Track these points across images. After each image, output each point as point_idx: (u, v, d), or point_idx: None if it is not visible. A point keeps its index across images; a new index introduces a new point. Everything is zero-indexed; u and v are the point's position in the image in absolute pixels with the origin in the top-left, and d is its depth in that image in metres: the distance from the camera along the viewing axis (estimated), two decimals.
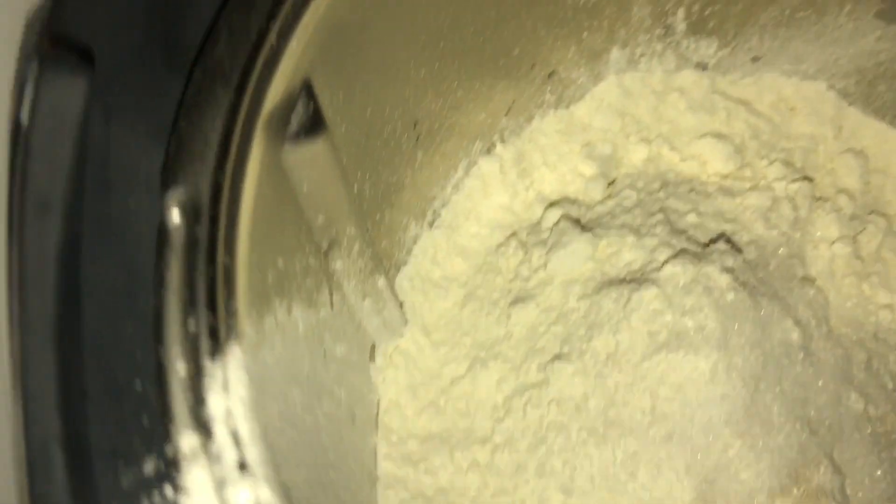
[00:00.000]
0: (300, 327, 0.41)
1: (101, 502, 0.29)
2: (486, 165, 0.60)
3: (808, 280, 0.53)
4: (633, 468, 0.48)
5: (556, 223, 0.56)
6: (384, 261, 0.54)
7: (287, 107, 0.37)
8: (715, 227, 0.54)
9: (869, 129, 0.62)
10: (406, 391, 0.56)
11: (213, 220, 0.31)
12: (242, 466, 0.28)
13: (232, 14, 0.35)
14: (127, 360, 0.32)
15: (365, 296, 0.51)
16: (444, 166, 0.57)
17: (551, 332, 0.53)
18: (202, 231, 0.31)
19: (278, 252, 0.38)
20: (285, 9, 0.36)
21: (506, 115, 0.59)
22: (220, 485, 0.28)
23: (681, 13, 0.57)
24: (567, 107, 0.62)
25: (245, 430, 0.29)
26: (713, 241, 0.53)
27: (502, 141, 0.60)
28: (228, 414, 0.29)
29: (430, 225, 0.59)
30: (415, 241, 0.58)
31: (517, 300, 0.55)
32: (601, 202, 0.58)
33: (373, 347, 0.56)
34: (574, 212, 0.57)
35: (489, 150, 0.60)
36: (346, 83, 0.42)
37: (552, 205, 0.58)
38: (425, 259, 0.59)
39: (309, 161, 0.39)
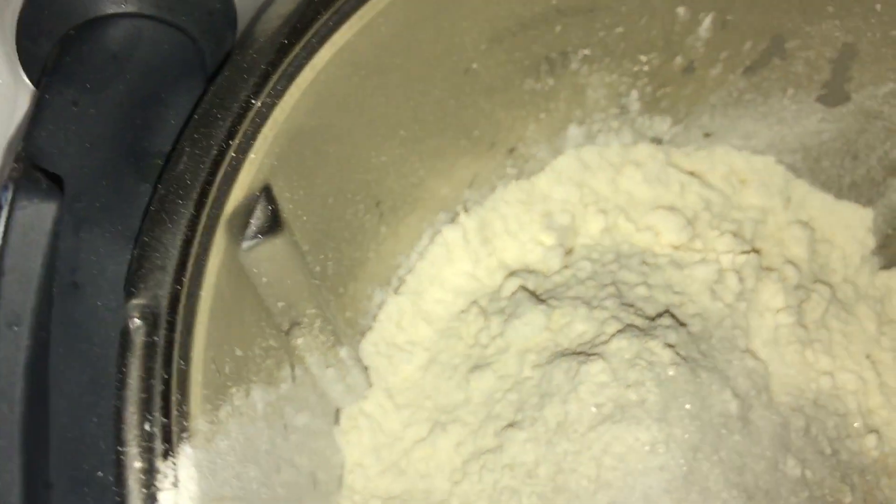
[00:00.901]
0: (258, 407, 0.44)
1: None
2: (450, 234, 0.63)
3: (749, 352, 0.56)
4: None
5: (514, 293, 0.59)
6: (348, 329, 0.57)
7: (246, 211, 0.40)
8: (663, 299, 0.57)
9: (816, 201, 0.65)
10: (370, 453, 0.59)
11: (170, 327, 0.35)
12: None
13: (194, 130, 0.38)
14: (91, 453, 0.35)
15: (328, 366, 0.54)
16: (408, 237, 0.61)
17: (507, 399, 0.56)
18: (160, 337, 0.34)
19: (237, 343, 0.41)
20: (245, 123, 0.39)
21: (468, 187, 0.62)
22: None
23: (634, 94, 0.61)
24: (528, 178, 0.65)
25: None
26: (659, 315, 0.56)
27: (465, 210, 0.64)
28: None
29: (395, 291, 0.62)
30: (380, 307, 0.61)
31: (476, 367, 0.58)
32: (558, 272, 0.61)
33: (337, 411, 0.59)
34: (531, 282, 0.60)
35: (453, 220, 0.63)
36: (307, 180, 0.46)
37: (511, 274, 0.61)
38: (390, 324, 0.62)
39: (267, 258, 0.42)
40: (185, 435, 0.34)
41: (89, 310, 0.37)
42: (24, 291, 0.34)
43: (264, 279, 0.43)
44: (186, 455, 0.33)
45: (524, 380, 0.57)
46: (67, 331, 0.37)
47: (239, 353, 0.41)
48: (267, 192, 0.41)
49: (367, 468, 0.58)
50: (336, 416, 0.59)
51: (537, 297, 0.59)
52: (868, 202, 0.63)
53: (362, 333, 0.61)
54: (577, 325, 0.56)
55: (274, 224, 0.41)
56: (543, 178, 0.65)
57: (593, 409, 0.52)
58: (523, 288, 0.60)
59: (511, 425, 0.55)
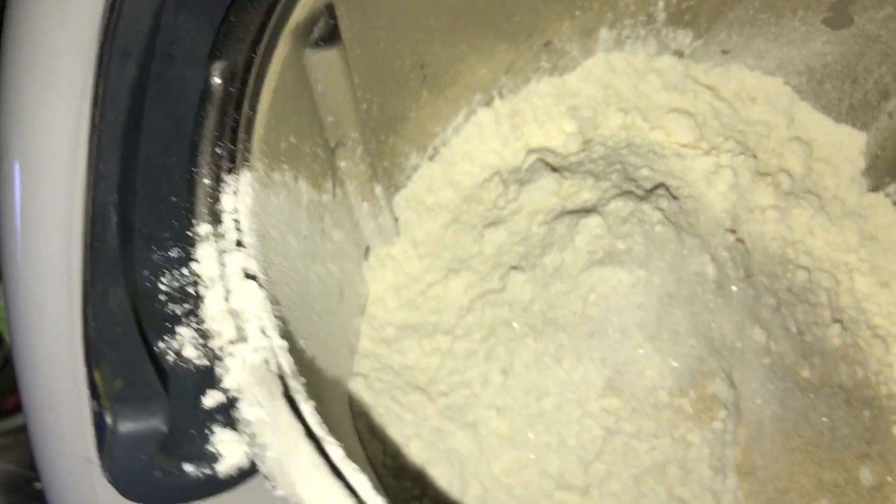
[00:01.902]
0: (304, 197, 0.53)
1: (136, 264, 0.41)
2: (484, 116, 0.71)
3: (732, 232, 0.64)
4: (560, 357, 0.59)
5: (532, 164, 0.67)
6: (385, 178, 0.66)
7: (311, 21, 0.49)
8: (662, 180, 0.65)
9: (816, 122, 0.72)
10: (391, 289, 0.67)
11: (244, 82, 0.43)
12: (239, 243, 0.40)
13: None
14: (168, 180, 0.44)
15: (364, 199, 0.62)
16: (446, 109, 0.69)
17: (514, 250, 0.65)
18: (235, 89, 0.43)
19: (292, 130, 0.50)
20: None
21: (505, 73, 0.70)
22: (221, 253, 0.40)
23: (661, 4, 0.68)
24: (560, 75, 0.73)
25: (245, 222, 0.41)
26: (656, 187, 0.63)
27: (500, 97, 0.72)
28: (235, 210, 0.41)
29: (430, 158, 0.71)
30: (415, 170, 0.70)
31: (491, 224, 0.67)
32: (575, 154, 0.69)
33: (368, 249, 0.67)
34: (550, 158, 0.68)
35: (488, 103, 0.72)
36: (364, 16, 0.54)
37: (532, 151, 0.69)
38: (422, 186, 0.70)
39: (324, 66, 0.51)
40: (246, 163, 0.42)
41: (180, 77, 0.46)
42: (134, 36, 0.43)
43: (320, 87, 0.52)
44: (246, 177, 0.42)
45: (531, 235, 0.65)
46: (161, 89, 0.45)
47: (293, 140, 0.50)
48: (330, 10, 0.50)
49: (387, 302, 0.67)
50: (366, 253, 0.67)
51: (552, 168, 0.67)
52: (863, 126, 0.70)
53: (397, 188, 0.69)
54: (584, 193, 0.64)
55: (333, 36, 0.50)
56: (574, 76, 0.73)
57: (586, 255, 0.60)
58: (540, 160, 0.67)
59: (513, 269, 0.63)
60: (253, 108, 0.44)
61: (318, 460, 0.36)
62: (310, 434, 0.36)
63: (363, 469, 0.37)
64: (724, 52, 0.71)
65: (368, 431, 0.60)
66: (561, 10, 0.67)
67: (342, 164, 0.58)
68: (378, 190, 0.63)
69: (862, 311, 0.67)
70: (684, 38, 0.71)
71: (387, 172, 0.66)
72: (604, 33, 0.71)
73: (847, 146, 0.71)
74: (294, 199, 0.51)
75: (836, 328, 0.65)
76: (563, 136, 0.70)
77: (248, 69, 0.44)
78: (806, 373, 0.63)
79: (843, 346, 0.65)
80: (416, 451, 0.59)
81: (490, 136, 0.72)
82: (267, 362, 0.37)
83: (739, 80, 0.72)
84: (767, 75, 0.72)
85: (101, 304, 0.38)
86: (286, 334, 0.41)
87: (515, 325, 0.61)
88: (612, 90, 0.72)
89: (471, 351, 0.62)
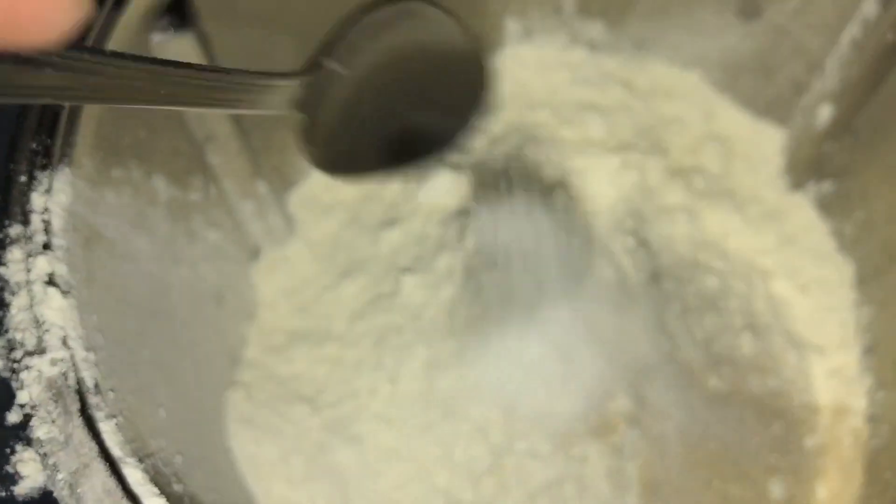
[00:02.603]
0: (161, 195, 0.49)
1: None
2: None
3: (635, 234, 0.60)
4: (448, 367, 0.55)
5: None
6: (274, 175, 0.62)
7: (159, 3, 0.45)
8: (562, 179, 0.62)
9: (734, 118, 0.69)
10: (283, 293, 0.64)
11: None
12: (46, 246, 0.36)
13: None
14: None
15: (245, 197, 0.59)
16: None
17: (409, 252, 0.61)
18: None
19: (141, 124, 0.46)
20: None
21: None
22: (27, 257, 0.36)
23: None
24: None
25: (57, 223, 0.37)
26: (552, 187, 0.60)
27: None
28: (45, 210, 0.37)
29: None
30: (311, 168, 0.66)
31: (387, 224, 0.63)
32: (477, 150, 0.66)
33: (257, 250, 0.64)
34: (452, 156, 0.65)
35: None
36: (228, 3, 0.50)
37: None
38: (319, 184, 0.67)
39: (176, 54, 0.47)
40: (66, 159, 0.39)
41: None
42: None
43: None
44: (64, 174, 0.38)
45: (426, 236, 0.61)
46: None
47: (142, 134, 0.46)
48: None
49: (279, 307, 0.63)
50: (255, 254, 0.64)
51: (451, 166, 0.63)
52: (781, 122, 0.67)
53: (290, 185, 0.66)
54: (482, 192, 0.61)
55: (184, 21, 0.46)
56: None
57: (474, 258, 0.57)
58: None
59: (407, 271, 0.59)
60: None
61: (112, 483, 0.32)
62: (105, 454, 0.33)
63: (168, 492, 0.33)
64: (638, 44, 0.68)
65: (248, 444, 0.56)
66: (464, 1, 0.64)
67: (215, 159, 0.55)
68: (262, 187, 0.59)
69: (777, 317, 0.64)
70: (595, 29, 0.68)
71: (277, 170, 0.63)
72: (511, 25, 0.67)
73: (765, 144, 0.68)
74: (145, 198, 0.47)
75: (747, 336, 0.62)
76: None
77: None
78: (714, 382, 0.60)
79: (755, 355, 0.62)
80: (296, 467, 0.55)
81: None
82: (65, 375, 0.34)
83: (654, 75, 0.69)
84: (683, 69, 0.69)
85: None
86: (107, 344, 0.37)
87: (405, 331, 0.57)
88: (523, 86, 0.69)
89: (360, 359, 0.59)
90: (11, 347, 0.35)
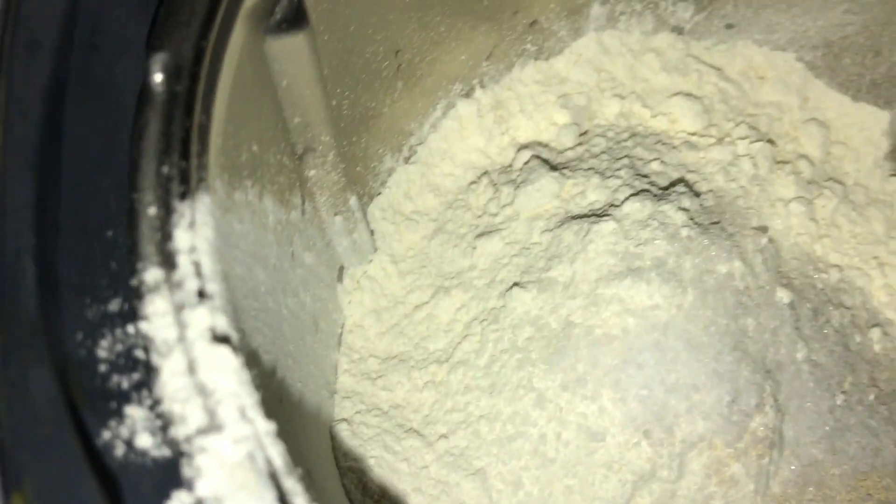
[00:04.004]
0: (270, 218, 0.43)
1: (65, 327, 0.31)
2: (464, 108, 0.62)
3: (761, 229, 0.56)
4: (580, 391, 0.50)
5: (527, 162, 0.58)
6: (358, 186, 0.56)
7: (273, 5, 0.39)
8: (676, 175, 0.57)
9: (833, 102, 0.64)
10: (370, 314, 0.58)
11: (194, 79, 0.33)
12: (202, 294, 0.30)
13: None
14: (101, 209, 0.34)
15: (336, 212, 0.53)
16: (422, 102, 0.60)
17: (513, 262, 0.56)
18: (182, 88, 0.33)
19: (254, 137, 0.40)
20: None
21: (487, 59, 0.61)
22: (178, 309, 0.30)
23: None
24: (547, 59, 0.64)
25: (207, 264, 0.31)
26: (673, 184, 0.55)
27: (482, 86, 0.63)
28: (193, 248, 0.31)
29: (406, 160, 0.61)
30: (389, 174, 0.60)
31: (483, 233, 0.57)
32: (572, 148, 0.60)
33: (341, 269, 0.58)
34: (545, 154, 0.59)
35: (468, 94, 0.62)
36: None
37: (524, 147, 0.60)
38: (398, 192, 0.61)
39: (289, 54, 0.41)
40: (203, 185, 0.32)
41: (108, 73, 0.36)
42: (46, 23, 0.32)
43: (284, 81, 0.42)
44: (204, 202, 0.32)
45: (532, 245, 0.56)
46: (85, 90, 0.35)
47: (255, 149, 0.40)
48: None
49: (367, 329, 0.58)
50: (340, 274, 0.58)
51: (551, 167, 0.58)
52: (886, 104, 0.63)
53: (371, 197, 0.60)
54: (590, 194, 0.56)
55: (298, 17, 0.40)
56: (562, 59, 0.64)
57: (601, 268, 0.51)
58: (537, 157, 0.59)
59: (516, 286, 0.54)
60: (207, 112, 0.34)
61: None
62: None
63: None
64: (729, 26, 0.63)
65: (360, 489, 0.51)
66: None
67: (311, 173, 0.49)
68: (353, 201, 0.53)
69: None
70: (685, 11, 0.63)
71: (360, 179, 0.57)
72: (595, 9, 0.62)
73: (868, 127, 0.63)
74: (260, 222, 0.41)
75: (876, 332, 0.57)
76: (556, 129, 0.62)
77: (198, 62, 0.34)
78: (850, 386, 0.55)
79: (885, 352, 0.58)
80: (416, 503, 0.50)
81: (472, 132, 0.62)
82: (252, 457, 0.28)
83: (747, 58, 0.64)
84: (777, 51, 0.64)
85: (18, 394, 0.28)
86: (271, 407, 0.31)
87: (523, 351, 0.52)
88: (606, 74, 0.64)
89: (471, 384, 0.53)
90: (168, 422, 0.29)
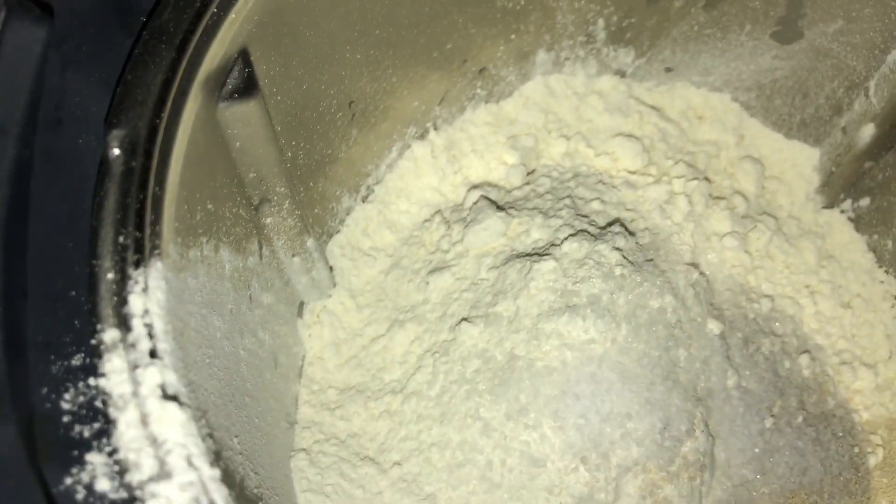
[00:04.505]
0: (226, 267, 0.47)
1: (32, 381, 0.34)
2: (419, 149, 0.66)
3: (694, 265, 0.60)
4: (524, 420, 0.54)
5: (476, 202, 0.62)
6: (316, 227, 0.60)
7: (224, 70, 0.42)
8: (615, 214, 0.60)
9: (767, 140, 0.68)
10: (330, 346, 0.61)
11: (147, 155, 0.37)
12: (153, 354, 0.34)
13: None
14: (65, 272, 0.37)
15: (294, 254, 0.56)
16: (378, 146, 0.63)
17: (463, 297, 0.59)
18: (137, 164, 0.37)
19: (208, 196, 0.43)
20: None
21: (439, 104, 0.65)
22: (133, 367, 0.33)
23: (601, 23, 0.64)
24: (497, 101, 0.68)
25: (159, 326, 0.34)
26: (610, 224, 0.59)
27: (435, 128, 0.66)
28: (146, 312, 0.34)
29: (364, 199, 0.65)
30: (347, 213, 0.64)
31: (436, 269, 0.61)
32: (519, 188, 0.64)
33: (301, 305, 0.61)
34: (493, 194, 0.63)
35: (422, 136, 0.66)
36: (283, 58, 0.48)
37: (474, 187, 0.64)
38: (357, 230, 0.64)
39: (241, 120, 0.44)
40: (156, 252, 0.36)
41: (71, 146, 0.39)
42: (10, 107, 0.36)
43: (238, 143, 0.46)
44: (157, 269, 0.36)
45: (480, 281, 0.59)
46: (49, 163, 0.39)
47: (210, 207, 0.44)
48: (244, 56, 0.44)
49: (327, 361, 0.61)
50: (300, 310, 0.61)
51: (497, 206, 0.62)
52: (815, 142, 0.67)
53: (329, 235, 0.63)
54: (534, 233, 0.59)
55: (249, 87, 0.44)
56: (511, 102, 0.68)
57: (542, 304, 0.55)
58: (485, 198, 0.62)
59: (465, 321, 0.57)
60: (160, 185, 0.37)
61: None
62: None
63: None
64: (668, 69, 0.67)
65: None
66: (495, 35, 0.62)
67: (268, 220, 0.52)
68: (310, 242, 0.57)
69: (827, 336, 0.64)
70: (626, 56, 0.67)
71: (318, 220, 0.60)
72: (541, 56, 0.66)
73: (800, 163, 0.68)
74: (216, 273, 0.45)
75: (804, 358, 0.61)
76: (505, 168, 0.65)
77: (151, 138, 0.37)
78: (778, 410, 0.59)
79: (814, 377, 0.62)
80: None
81: (426, 171, 0.66)
82: (197, 501, 0.31)
83: (685, 99, 0.68)
84: (714, 92, 0.68)
85: None
86: (217, 455, 0.34)
87: (471, 383, 0.56)
88: (553, 115, 0.68)
89: (423, 413, 0.57)
90: (124, 469, 0.33)
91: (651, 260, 0.58)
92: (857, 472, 0.60)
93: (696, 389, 0.56)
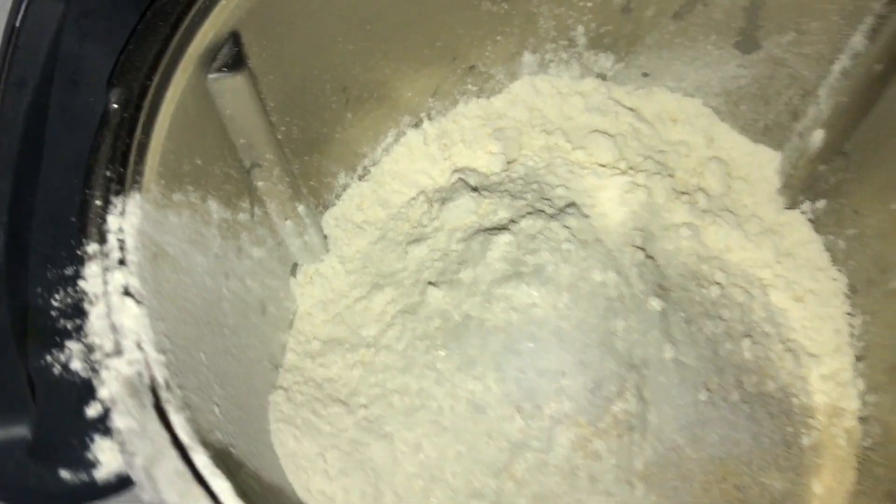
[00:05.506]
0: (214, 217, 0.55)
1: (29, 282, 0.43)
2: (413, 137, 0.74)
3: (644, 250, 0.66)
4: (471, 371, 0.61)
5: (455, 183, 0.70)
6: (312, 197, 0.68)
7: (214, 48, 0.51)
8: (576, 199, 0.67)
9: (735, 143, 0.74)
10: (318, 304, 0.69)
11: (137, 108, 0.46)
12: (121, 262, 0.42)
13: None
14: (68, 200, 0.46)
15: (286, 217, 0.65)
16: (373, 130, 0.71)
17: (434, 266, 0.67)
18: (129, 115, 0.46)
19: (197, 153, 0.52)
20: None
21: (432, 96, 0.73)
22: (104, 271, 0.42)
23: (581, 28, 0.71)
24: (487, 97, 0.75)
25: (129, 242, 0.43)
26: (568, 206, 0.65)
27: (429, 118, 0.74)
28: (120, 230, 0.43)
29: (360, 178, 0.73)
30: (344, 189, 0.72)
31: (414, 241, 0.69)
32: (497, 174, 0.71)
33: (295, 266, 0.69)
34: (472, 178, 0.71)
35: (417, 125, 0.74)
36: (275, 43, 0.56)
37: (456, 171, 0.71)
38: (351, 205, 0.72)
39: (229, 91, 0.53)
40: (136, 185, 0.45)
41: (84, 103, 0.49)
42: (30, 66, 0.45)
43: (227, 111, 0.54)
44: (135, 199, 0.44)
45: (450, 252, 0.67)
46: (65, 114, 0.48)
47: (199, 162, 0.52)
48: (235, 37, 0.52)
49: (315, 317, 0.69)
50: (294, 270, 0.69)
51: (473, 188, 0.69)
52: (777, 146, 0.72)
53: (325, 207, 0.71)
54: (500, 212, 0.67)
55: (237, 64, 0.52)
56: (500, 98, 0.75)
57: (496, 271, 0.62)
58: (462, 180, 0.70)
59: (432, 285, 0.65)
60: (147, 134, 0.46)
61: (183, 467, 0.38)
62: (176, 442, 0.39)
63: (229, 477, 0.39)
64: (645, 74, 0.74)
65: (288, 442, 0.62)
66: (482, 36, 0.70)
67: (259, 184, 0.61)
68: (301, 209, 0.65)
69: (775, 325, 0.69)
70: (606, 61, 0.73)
71: (314, 192, 0.69)
72: (527, 57, 0.73)
73: (764, 165, 0.73)
74: (202, 219, 0.53)
75: (746, 342, 0.66)
76: (488, 157, 0.73)
77: (142, 96, 0.46)
78: (714, 385, 0.64)
79: (755, 359, 0.67)
80: (332, 462, 0.61)
81: (419, 157, 0.74)
82: (140, 374, 0.40)
83: (660, 102, 0.74)
84: (687, 97, 0.74)
85: None
86: (167, 351, 0.43)
87: (431, 339, 0.63)
88: (538, 112, 0.75)
89: (390, 364, 0.64)
90: (91, 350, 0.41)
91: (600, 240, 0.64)
92: (788, 449, 0.65)
93: (631, 357, 0.62)
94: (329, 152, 0.68)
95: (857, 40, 0.61)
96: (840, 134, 0.65)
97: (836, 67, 0.63)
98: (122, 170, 0.44)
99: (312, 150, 0.66)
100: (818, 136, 0.66)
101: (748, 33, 0.67)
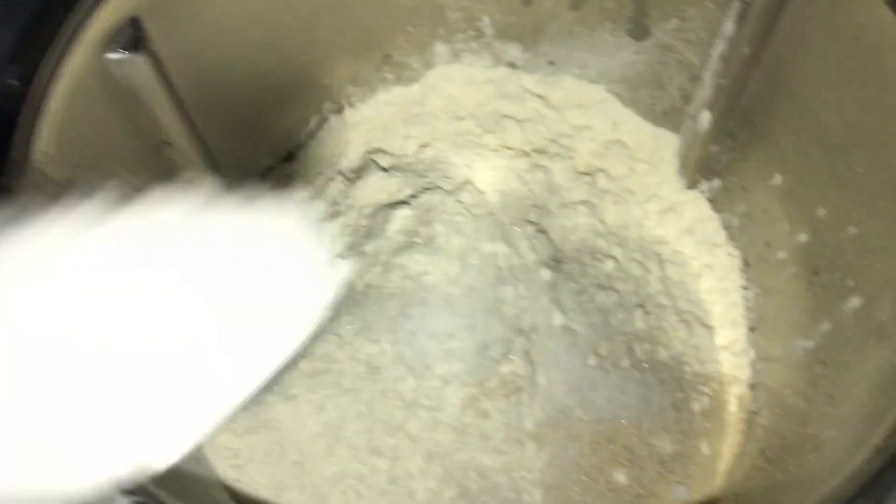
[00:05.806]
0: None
1: None
2: (335, 122, 0.78)
3: (536, 224, 0.70)
4: (369, 334, 0.65)
5: (366, 165, 0.74)
6: (232, 175, 0.73)
7: (112, 31, 0.56)
8: (477, 178, 0.71)
9: (637, 126, 0.78)
10: None
11: (36, 86, 0.51)
12: None
13: None
14: None
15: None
16: (295, 116, 0.76)
17: (344, 240, 0.71)
18: (23, 89, 0.51)
19: (97, 125, 0.57)
20: None
21: (351, 84, 0.77)
22: None
23: (487, 19, 0.75)
24: (405, 85, 0.80)
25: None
26: (465, 183, 0.70)
27: (350, 105, 0.79)
28: None
29: (284, 160, 0.78)
30: (266, 172, 0.77)
31: (332, 216, 0.73)
32: (408, 156, 0.76)
33: None
34: (384, 160, 0.75)
35: (339, 111, 0.79)
36: (180, 31, 0.61)
37: (369, 153, 0.76)
38: (275, 186, 0.77)
39: (129, 71, 0.58)
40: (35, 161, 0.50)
41: None
42: None
43: (131, 91, 0.59)
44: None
45: (360, 226, 0.71)
46: None
47: (101, 138, 0.57)
48: (135, 23, 0.57)
49: None
50: None
51: (383, 168, 0.74)
52: (675, 128, 0.76)
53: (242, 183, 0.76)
54: (406, 190, 0.71)
55: (136, 47, 0.57)
56: (417, 86, 0.80)
57: (396, 243, 0.67)
58: (373, 161, 0.74)
59: (339, 256, 0.69)
60: (38, 104, 0.51)
61: None
62: None
63: None
64: (551, 63, 0.78)
65: None
66: (393, 26, 0.75)
67: (170, 156, 0.65)
68: (215, 182, 0.69)
69: (671, 297, 0.73)
70: (514, 50, 0.78)
71: (234, 171, 0.73)
72: (440, 47, 0.78)
73: (663, 147, 0.77)
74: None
75: (639, 312, 0.70)
76: (402, 140, 0.77)
77: (41, 74, 0.51)
78: (605, 350, 0.68)
79: (648, 329, 0.71)
80: (239, 420, 0.65)
81: (342, 142, 0.78)
82: None
83: (566, 89, 0.79)
84: (592, 84, 0.78)
85: None
86: None
87: (336, 307, 0.67)
88: (452, 99, 0.79)
89: None
90: None
91: (494, 214, 0.68)
92: (678, 413, 0.69)
93: (519, 322, 0.66)
94: (250, 134, 0.73)
95: (728, 26, 0.65)
96: (724, 115, 0.69)
97: (715, 52, 0.67)
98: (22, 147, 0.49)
99: (234, 131, 0.71)
100: (706, 118, 0.70)
101: (638, 21, 0.71)
